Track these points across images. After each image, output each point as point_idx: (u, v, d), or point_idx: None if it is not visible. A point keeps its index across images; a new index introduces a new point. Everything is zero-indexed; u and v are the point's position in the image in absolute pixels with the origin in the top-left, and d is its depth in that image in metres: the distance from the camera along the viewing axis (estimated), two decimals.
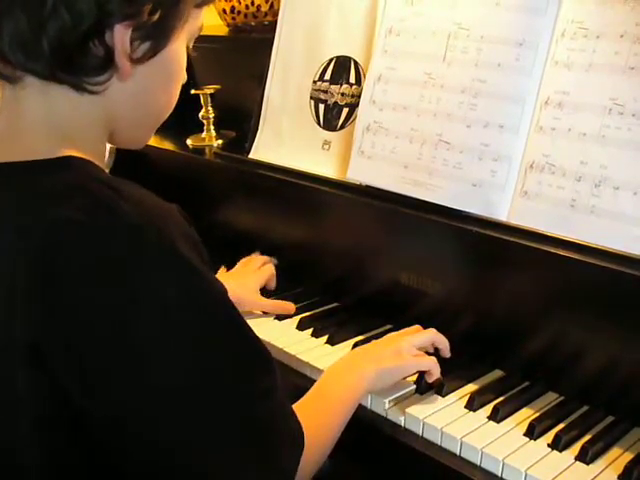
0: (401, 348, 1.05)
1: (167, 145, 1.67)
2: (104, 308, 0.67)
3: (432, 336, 1.10)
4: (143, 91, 0.79)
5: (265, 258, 1.41)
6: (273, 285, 1.38)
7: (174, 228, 0.71)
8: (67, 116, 0.75)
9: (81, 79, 0.73)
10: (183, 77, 0.84)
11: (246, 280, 1.33)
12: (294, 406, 0.86)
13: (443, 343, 1.11)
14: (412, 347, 1.06)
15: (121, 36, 0.72)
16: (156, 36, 0.75)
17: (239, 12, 1.67)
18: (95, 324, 0.67)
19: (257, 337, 0.78)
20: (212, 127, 1.64)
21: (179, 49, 0.80)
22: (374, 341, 1.11)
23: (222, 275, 1.39)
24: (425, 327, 1.20)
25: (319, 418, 0.91)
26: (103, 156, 0.81)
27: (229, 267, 1.45)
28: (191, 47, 0.84)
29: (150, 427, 0.70)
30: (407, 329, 1.13)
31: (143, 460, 0.72)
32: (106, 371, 0.68)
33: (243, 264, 1.40)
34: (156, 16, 0.73)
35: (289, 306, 1.31)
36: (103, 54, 0.72)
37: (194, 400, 0.71)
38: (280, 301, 1.32)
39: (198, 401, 0.71)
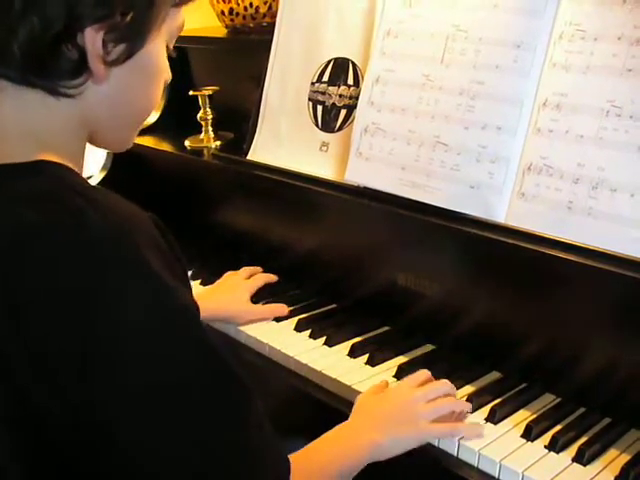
0: (418, 412, 0.96)
1: (165, 146, 1.67)
2: (63, 319, 0.65)
3: (447, 389, 1.01)
4: (121, 93, 0.77)
5: (252, 268, 1.41)
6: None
7: (144, 240, 0.69)
8: (43, 120, 0.74)
9: (55, 83, 0.72)
10: (167, 77, 0.82)
11: (236, 293, 1.33)
12: (292, 456, 0.81)
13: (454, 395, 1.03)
14: (429, 409, 0.97)
15: (92, 39, 0.70)
16: (131, 38, 0.73)
17: (237, 14, 1.67)
18: (54, 336, 0.66)
19: (232, 360, 0.74)
20: (210, 128, 1.64)
21: (158, 49, 0.78)
22: (384, 397, 1.00)
23: (213, 288, 1.38)
24: (421, 329, 1.20)
25: (312, 475, 0.86)
26: (82, 159, 0.79)
27: (228, 268, 1.45)
28: (172, 47, 0.82)
29: (113, 439, 0.68)
30: (417, 377, 1.03)
31: (110, 468, 0.70)
32: (66, 387, 0.66)
33: (229, 276, 1.40)
34: (129, 17, 0.71)
35: (282, 308, 1.31)
36: (77, 57, 0.71)
37: (154, 418, 0.68)
38: (273, 305, 1.32)
39: (159, 419, 0.69)
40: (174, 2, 0.77)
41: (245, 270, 1.41)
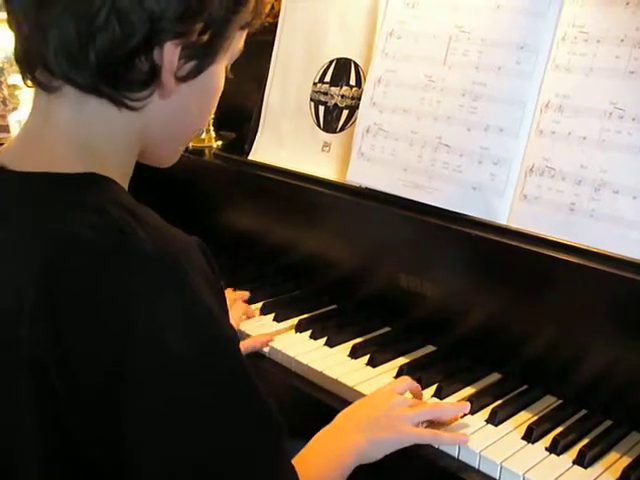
0: (399, 416, 0.97)
1: None
2: (103, 334, 0.64)
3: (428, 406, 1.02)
4: (180, 110, 0.77)
5: (237, 294, 1.36)
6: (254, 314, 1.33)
7: (191, 263, 0.68)
8: (100, 130, 0.74)
9: (122, 94, 0.72)
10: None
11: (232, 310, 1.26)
12: None
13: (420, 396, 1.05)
14: (410, 413, 0.98)
15: (171, 54, 0.70)
16: (202, 56, 0.74)
17: None
18: (93, 349, 0.65)
19: (266, 394, 0.72)
20: (212, 128, 1.64)
21: (220, 70, 0.79)
22: (364, 401, 1.02)
23: None
24: (423, 330, 1.20)
25: None
26: (130, 174, 0.79)
27: (229, 269, 1.45)
28: (229, 68, 0.83)
29: (138, 465, 0.67)
30: (398, 383, 1.05)
31: None
32: (97, 402, 0.65)
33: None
34: (206, 36, 0.72)
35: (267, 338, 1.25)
36: (148, 70, 0.71)
37: (188, 448, 0.67)
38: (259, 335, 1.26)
39: (193, 451, 0.67)
40: (241, 25, 0.78)
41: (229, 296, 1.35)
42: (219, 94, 0.82)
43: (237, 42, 0.80)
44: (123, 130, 0.75)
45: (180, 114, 0.78)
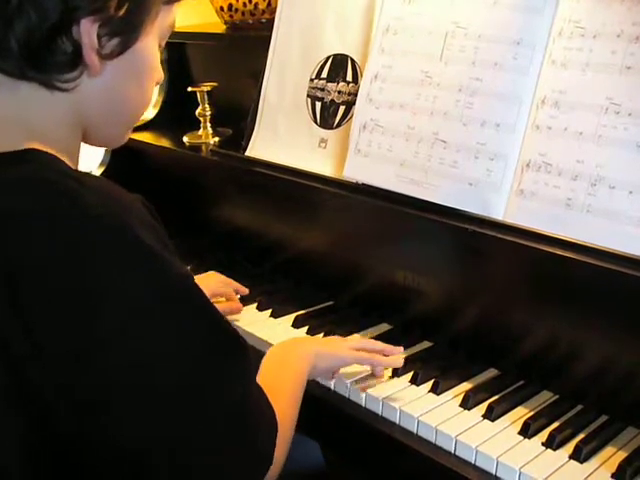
0: (338, 342, 1.10)
1: (164, 142, 1.67)
2: (65, 298, 0.67)
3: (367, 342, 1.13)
4: (114, 88, 0.78)
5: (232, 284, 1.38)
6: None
7: (136, 218, 0.71)
8: (37, 114, 0.75)
9: (51, 76, 0.73)
10: (159, 75, 0.84)
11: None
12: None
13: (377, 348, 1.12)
14: (353, 341, 1.11)
15: (88, 31, 0.71)
16: (124, 32, 0.75)
17: (237, 10, 1.66)
18: (57, 315, 0.67)
19: (227, 321, 0.77)
20: (209, 124, 1.64)
21: (150, 46, 0.79)
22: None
23: None
24: (419, 326, 1.20)
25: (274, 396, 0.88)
26: (76, 155, 0.81)
27: (225, 264, 1.45)
28: (163, 46, 0.84)
29: (118, 419, 0.69)
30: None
31: (111, 457, 0.71)
32: (70, 364, 0.68)
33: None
34: (122, 11, 0.73)
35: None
36: (71, 50, 0.72)
37: (164, 387, 0.70)
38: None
39: (169, 388, 0.70)
40: (165, 0, 0.79)
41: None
42: (154, 71, 0.82)
43: (165, 17, 0.80)
44: (59, 111, 0.76)
45: (115, 92, 0.79)
